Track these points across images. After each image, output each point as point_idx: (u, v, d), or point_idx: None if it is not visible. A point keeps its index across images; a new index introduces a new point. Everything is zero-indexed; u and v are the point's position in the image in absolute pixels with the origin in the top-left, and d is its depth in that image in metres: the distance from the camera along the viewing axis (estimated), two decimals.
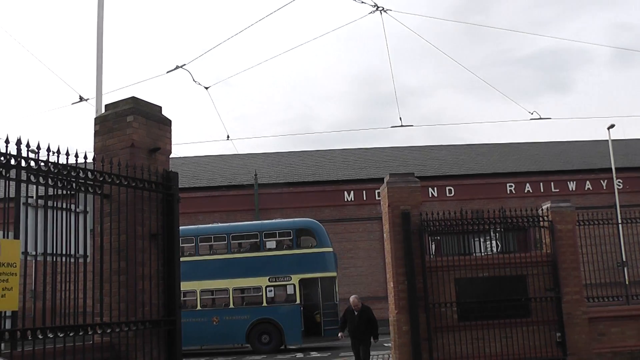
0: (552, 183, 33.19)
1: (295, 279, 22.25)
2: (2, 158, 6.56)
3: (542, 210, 14.38)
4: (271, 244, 22.93)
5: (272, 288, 22.25)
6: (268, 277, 21.87)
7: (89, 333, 7.49)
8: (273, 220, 24.50)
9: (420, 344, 12.84)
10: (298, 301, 22.17)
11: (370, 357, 13.57)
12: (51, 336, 7.04)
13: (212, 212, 31.69)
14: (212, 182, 33.37)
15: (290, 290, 22.34)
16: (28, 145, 6.79)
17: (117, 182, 7.85)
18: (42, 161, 6.99)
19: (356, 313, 13.25)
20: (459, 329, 13.19)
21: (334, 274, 22.99)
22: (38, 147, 6.90)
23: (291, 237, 23.08)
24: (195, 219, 31.38)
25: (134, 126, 8.22)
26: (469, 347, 13.09)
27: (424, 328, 12.97)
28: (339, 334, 14.10)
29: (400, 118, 33.33)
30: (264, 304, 21.72)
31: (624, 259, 18.99)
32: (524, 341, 13.26)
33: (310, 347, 22.25)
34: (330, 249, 23.17)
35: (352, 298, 13.57)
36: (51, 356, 6.93)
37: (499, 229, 14.42)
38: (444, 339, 13.09)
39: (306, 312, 22.77)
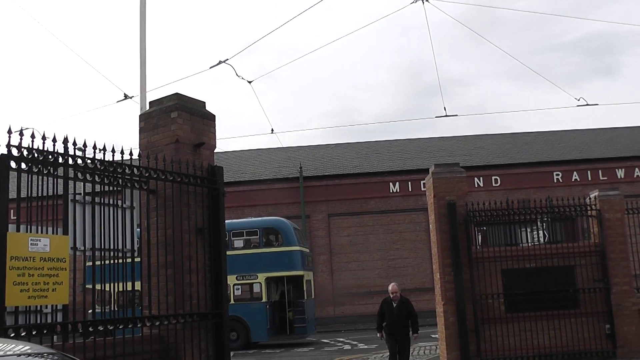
0: (599, 171, 32.54)
1: (262, 277, 22.47)
2: (50, 157, 6.74)
3: (589, 199, 14.15)
4: (239, 242, 23.17)
5: (240, 286, 22.49)
6: (236, 276, 22.01)
7: (138, 326, 7.66)
8: (241, 220, 24.66)
9: (467, 336, 12.77)
10: (264, 299, 22.35)
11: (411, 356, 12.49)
12: (101, 329, 7.22)
13: (258, 206, 31.93)
14: (258, 175, 33.61)
15: (256, 288, 22.58)
16: (75, 144, 6.97)
17: (163, 177, 7.99)
18: (89, 159, 7.15)
19: (395, 304, 12.19)
20: (507, 320, 13.06)
21: (300, 272, 23.08)
22: (84, 145, 7.06)
23: (258, 236, 23.28)
24: (241, 212, 31.66)
25: (178, 122, 8.34)
26: (516, 339, 12.96)
27: (471, 319, 12.88)
28: (379, 335, 12.59)
29: (445, 108, 33.17)
30: (232, 301, 21.76)
31: None
32: (573, 333, 13.07)
33: (278, 344, 22.53)
34: (297, 248, 23.22)
35: (391, 286, 12.51)
36: (102, 348, 7.10)
37: (545, 219, 14.23)
38: (491, 331, 12.98)
39: (274, 310, 23.19)
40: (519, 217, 13.73)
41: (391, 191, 32.37)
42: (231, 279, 21.94)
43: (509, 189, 30.02)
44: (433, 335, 16.33)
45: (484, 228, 15.06)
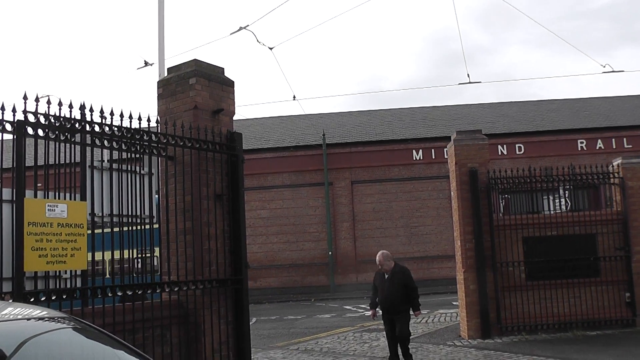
0: (624, 139, 32.04)
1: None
2: (67, 123, 6.77)
3: (612, 166, 13.98)
4: None
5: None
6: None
7: (157, 291, 7.74)
8: None
9: (487, 303, 12.77)
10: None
11: (410, 339, 10.70)
12: (120, 294, 7.30)
13: (280, 173, 31.99)
14: (280, 142, 33.57)
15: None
16: (92, 110, 6.98)
17: (181, 143, 8.00)
18: (106, 125, 7.17)
19: (387, 276, 10.37)
20: (527, 288, 13.04)
21: None
22: (102, 112, 7.07)
23: None
24: (264, 179, 31.81)
25: (196, 88, 8.33)
26: (536, 307, 12.94)
27: (492, 287, 12.88)
28: (371, 312, 10.83)
29: (468, 75, 32.69)
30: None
31: None
32: (593, 301, 13.03)
33: None
34: None
35: (378, 255, 10.51)
36: (121, 313, 7.18)
37: (568, 187, 14.10)
38: (511, 299, 12.97)
39: None
40: (541, 185, 13.62)
41: (414, 159, 32.21)
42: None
43: (532, 157, 29.72)
44: (454, 303, 16.34)
45: (507, 196, 14.97)
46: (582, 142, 32.14)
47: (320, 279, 31.18)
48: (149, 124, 7.77)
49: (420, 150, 32.14)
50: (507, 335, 12.75)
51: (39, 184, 6.52)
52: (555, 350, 10.99)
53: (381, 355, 9.52)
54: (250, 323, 18.28)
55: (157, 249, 8.10)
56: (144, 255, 7.76)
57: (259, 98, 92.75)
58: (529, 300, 12.93)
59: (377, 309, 10.70)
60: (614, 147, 31.43)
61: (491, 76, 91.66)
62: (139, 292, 7.47)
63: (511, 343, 12.09)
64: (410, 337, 10.74)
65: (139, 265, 7.87)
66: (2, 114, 6.25)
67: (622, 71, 23.92)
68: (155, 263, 8.36)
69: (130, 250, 7.84)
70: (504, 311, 12.91)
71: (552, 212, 13.65)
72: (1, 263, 6.26)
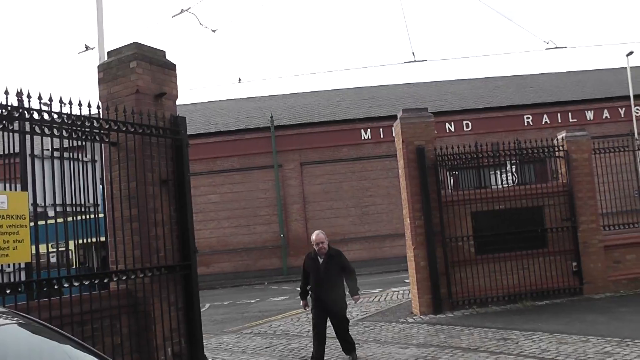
0: (569, 113, 32.69)
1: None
2: (4, 110, 6.54)
3: (557, 140, 14.24)
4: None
5: (54, 254, 22.33)
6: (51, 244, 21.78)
7: (105, 281, 7.59)
8: None
9: (438, 278, 12.92)
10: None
11: (349, 330, 9.74)
12: (67, 286, 7.14)
13: (229, 157, 31.76)
14: (228, 126, 33.27)
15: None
16: (29, 96, 6.76)
17: (124, 129, 7.82)
18: (45, 112, 6.96)
19: (321, 260, 9.40)
20: (477, 262, 13.23)
21: None
22: (40, 98, 6.86)
23: None
24: (212, 164, 31.53)
25: (138, 72, 8.15)
26: (486, 280, 13.15)
27: (442, 263, 13.02)
28: (302, 303, 9.85)
29: (413, 53, 32.78)
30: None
31: None
32: (541, 272, 13.29)
33: None
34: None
35: (315, 234, 9.56)
36: (68, 305, 7.02)
37: (514, 161, 14.31)
38: (461, 273, 13.14)
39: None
40: (488, 161, 13.78)
41: (363, 138, 32.30)
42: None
43: (480, 134, 30.07)
44: (407, 280, 16.49)
45: (456, 172, 15.12)
46: (528, 118, 32.69)
47: (273, 261, 31.15)
48: (89, 110, 7.57)
49: (369, 130, 32.25)
50: (459, 309, 12.93)
51: None
52: (505, 322, 11.20)
53: (334, 335, 9.44)
54: (204, 309, 18.31)
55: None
56: (90, 245, 7.60)
57: (205, 82, 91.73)
58: (478, 274, 13.12)
59: (306, 300, 9.70)
60: (560, 121, 32.05)
61: (436, 54, 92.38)
62: (86, 283, 7.32)
63: (462, 317, 12.26)
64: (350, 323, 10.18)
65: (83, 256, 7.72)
66: None
67: (565, 47, 24.28)
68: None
69: (76, 241, 7.66)
70: (455, 286, 13.08)
71: (499, 187, 13.84)
72: None
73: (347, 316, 9.65)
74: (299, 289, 10.06)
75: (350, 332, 9.42)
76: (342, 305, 9.44)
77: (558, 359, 8.00)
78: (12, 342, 3.44)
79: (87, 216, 7.51)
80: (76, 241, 7.35)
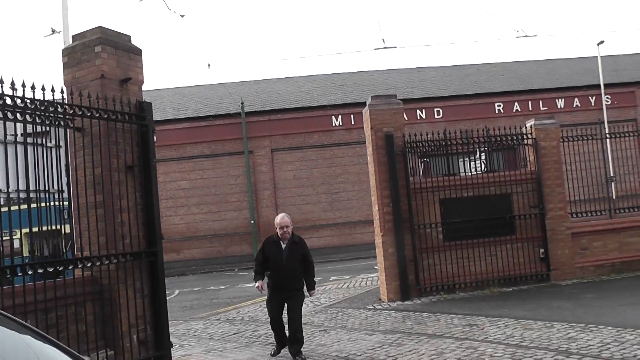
0: (540, 101, 33.01)
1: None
2: None
3: (526, 128, 14.34)
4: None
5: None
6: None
7: (69, 268, 7.50)
8: None
9: (406, 265, 12.97)
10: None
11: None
12: (30, 273, 7.04)
13: (199, 143, 31.59)
14: (198, 112, 33.07)
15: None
16: None
17: (89, 114, 7.71)
18: (8, 96, 6.83)
19: (284, 245, 8.91)
20: (445, 249, 13.31)
21: None
22: (1, 82, 6.73)
23: None
24: (182, 150, 31.36)
25: (102, 57, 8.03)
26: (454, 267, 13.24)
27: (410, 249, 13.07)
28: (257, 284, 9.07)
29: (383, 40, 32.74)
30: None
31: (612, 174, 19.04)
32: (509, 258, 13.42)
33: None
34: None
35: (280, 217, 9.05)
36: (31, 293, 6.93)
37: (484, 149, 14.39)
38: (429, 260, 13.22)
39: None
40: (457, 148, 13.84)
41: (334, 125, 32.31)
42: None
43: (451, 121, 30.26)
44: (376, 267, 16.54)
45: (426, 159, 15.18)
46: (499, 105, 32.94)
47: (244, 248, 31.12)
48: (53, 95, 7.45)
49: (340, 117, 32.26)
50: (426, 295, 13.01)
51: None
52: (472, 308, 11.29)
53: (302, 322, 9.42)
54: (173, 295, 18.25)
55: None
56: (52, 232, 7.51)
57: (174, 68, 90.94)
58: (446, 261, 13.21)
59: (263, 281, 9.05)
60: (531, 109, 32.34)
61: (408, 42, 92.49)
62: (50, 270, 7.23)
63: (430, 303, 12.34)
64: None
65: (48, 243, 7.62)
66: None
67: (535, 36, 24.50)
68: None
69: (41, 227, 7.58)
70: (423, 272, 13.15)
71: (468, 174, 13.92)
72: None
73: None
74: (253, 273, 9.19)
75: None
76: (301, 296, 8.95)
77: (522, 345, 8.09)
78: None
79: (43, 203, 7.40)
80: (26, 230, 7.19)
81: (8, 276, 6.75)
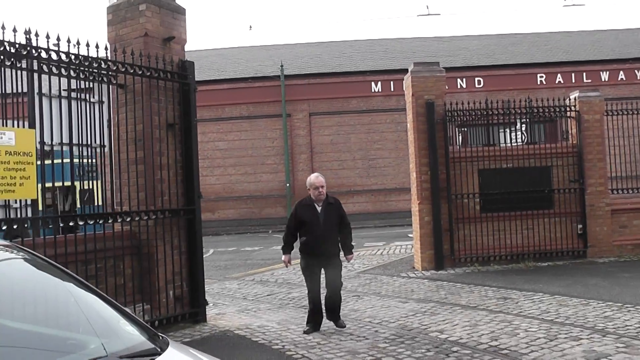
0: (584, 73, 32.27)
1: None
2: (11, 48, 6.50)
3: (569, 100, 14.07)
4: None
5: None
6: None
7: (109, 221, 7.63)
8: None
9: (441, 235, 12.91)
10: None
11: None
12: (72, 224, 7.18)
13: (238, 104, 31.63)
14: (237, 74, 33.07)
15: None
16: (37, 35, 6.71)
17: (132, 71, 7.81)
18: (53, 51, 6.92)
19: (319, 208, 8.18)
20: (481, 220, 13.20)
21: None
22: (48, 37, 6.81)
23: None
24: (221, 111, 31.47)
25: (146, 15, 8.09)
26: (490, 239, 13.14)
27: (446, 219, 13.00)
28: (284, 258, 8.38)
29: (427, 6, 32.32)
30: None
31: None
32: (545, 233, 13.26)
33: None
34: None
35: (314, 177, 8.32)
36: (72, 244, 7.08)
37: (525, 120, 14.18)
38: (465, 230, 13.13)
39: None
40: (497, 118, 13.66)
41: (373, 91, 32.07)
42: None
43: (491, 91, 29.79)
44: (410, 235, 16.53)
45: (465, 129, 15.02)
46: (541, 77, 32.30)
47: (278, 210, 31.27)
48: (97, 51, 7.51)
49: (379, 83, 32.00)
50: (460, 266, 12.95)
51: None
52: (506, 281, 11.22)
53: None
54: (208, 254, 18.46)
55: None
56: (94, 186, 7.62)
57: (215, 29, 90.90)
58: (482, 232, 13.11)
59: (290, 254, 8.35)
60: (573, 81, 31.66)
61: (450, 8, 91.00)
62: (91, 223, 7.36)
63: (463, 274, 12.30)
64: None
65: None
66: None
67: (583, 5, 23.96)
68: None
69: (81, 181, 7.70)
70: (458, 243, 13.08)
71: (508, 145, 13.73)
72: None
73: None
74: (282, 242, 8.46)
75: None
76: (340, 264, 8.28)
77: (557, 321, 8.00)
78: (18, 276, 3.46)
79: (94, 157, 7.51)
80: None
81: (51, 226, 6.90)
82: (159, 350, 3.03)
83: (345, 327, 8.11)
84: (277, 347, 7.35)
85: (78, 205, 13.36)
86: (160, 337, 3.23)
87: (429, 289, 10.88)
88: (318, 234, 8.02)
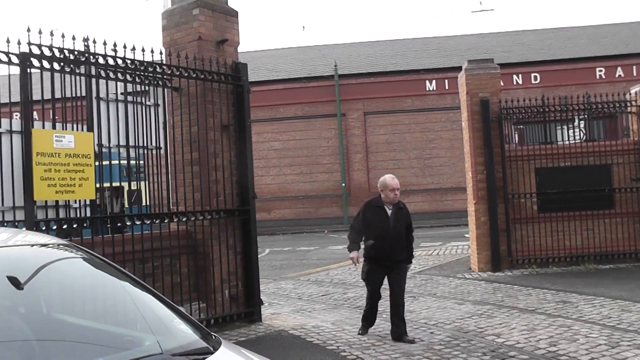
0: None
1: None
2: (71, 55, 6.70)
3: (630, 94, 13.69)
4: None
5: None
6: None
7: (165, 221, 7.78)
8: None
9: (498, 235, 12.72)
10: None
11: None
12: (129, 224, 7.35)
13: (292, 104, 31.79)
14: (291, 74, 33.25)
15: None
16: (95, 42, 6.91)
17: (186, 75, 7.95)
18: (110, 56, 7.11)
19: (389, 211, 7.77)
20: (539, 220, 12.94)
21: None
22: (105, 43, 6.99)
23: None
24: (276, 111, 31.66)
25: (200, 19, 8.24)
26: (548, 240, 12.86)
27: (503, 219, 12.79)
28: (352, 255, 7.96)
29: (481, 2, 31.90)
30: None
31: None
32: (606, 234, 12.90)
33: None
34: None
35: (389, 178, 7.88)
36: (130, 242, 7.25)
37: (583, 116, 13.86)
38: (522, 231, 12.91)
39: None
40: (555, 115, 13.39)
41: (427, 89, 31.84)
42: None
43: (548, 87, 29.23)
44: (467, 235, 16.35)
45: (521, 126, 14.79)
46: (600, 71, 31.49)
47: (334, 210, 31.33)
48: (153, 56, 7.68)
49: (434, 81, 31.75)
50: (518, 268, 12.72)
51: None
52: (565, 284, 10.97)
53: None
54: (264, 254, 18.62)
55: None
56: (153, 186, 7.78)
57: (268, 30, 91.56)
58: (540, 233, 12.86)
59: (358, 252, 7.95)
60: (635, 74, 30.67)
61: (503, 3, 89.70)
62: (147, 222, 7.53)
63: (521, 276, 12.09)
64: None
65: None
66: (8, 46, 6.30)
67: None
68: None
69: (139, 182, 7.89)
70: (515, 244, 12.87)
71: (566, 143, 13.45)
72: (13, 192, 6.36)
73: None
74: (349, 241, 8.07)
75: (405, 285, 7.99)
76: (405, 270, 7.91)
77: (620, 327, 7.73)
78: (78, 274, 3.57)
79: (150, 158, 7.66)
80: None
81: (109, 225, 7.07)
82: (212, 349, 3.07)
83: (414, 342, 7.44)
84: (332, 348, 7.36)
85: (126, 205, 13.72)
86: (213, 337, 3.28)
87: (485, 291, 10.74)
88: (387, 239, 7.61)
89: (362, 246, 7.95)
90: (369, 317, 8.06)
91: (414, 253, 8.17)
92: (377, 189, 7.98)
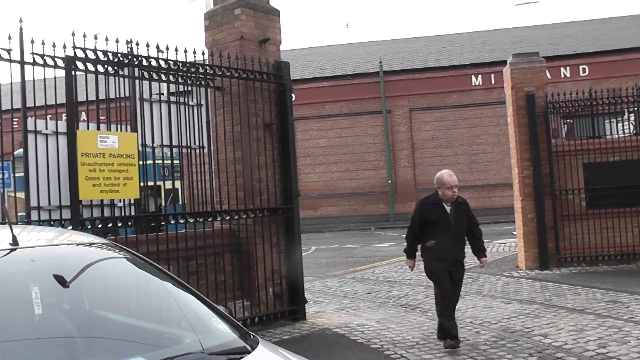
0: None
1: None
2: (114, 57, 6.83)
3: None
4: None
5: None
6: None
7: (209, 220, 7.87)
8: None
9: (545, 232, 12.51)
10: None
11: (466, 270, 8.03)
12: (172, 222, 7.45)
13: (338, 102, 31.79)
14: (337, 71, 33.26)
15: None
16: (138, 44, 7.03)
17: (229, 74, 8.02)
18: (153, 58, 7.21)
19: (448, 208, 7.32)
20: (588, 217, 12.67)
21: None
22: (147, 45, 7.10)
23: None
24: (321, 108, 31.71)
25: (241, 19, 8.30)
26: (597, 237, 12.58)
27: (550, 216, 12.57)
28: (409, 263, 7.67)
29: None
30: None
31: None
32: None
33: None
34: None
35: (446, 174, 7.41)
36: (174, 241, 7.35)
37: (633, 109, 13.54)
38: (571, 228, 12.66)
39: None
40: (603, 108, 13.10)
41: (473, 84, 31.51)
42: None
43: (597, 79, 28.65)
44: (514, 232, 16.13)
45: (570, 120, 14.53)
46: None
47: (380, 207, 31.24)
48: (195, 57, 7.78)
49: (479, 76, 31.41)
50: (566, 266, 12.48)
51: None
52: (616, 283, 10.70)
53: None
54: (309, 252, 18.67)
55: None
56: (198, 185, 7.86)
57: (312, 28, 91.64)
58: (589, 230, 12.59)
59: (414, 258, 7.55)
60: None
61: None
62: (192, 221, 7.63)
63: (570, 274, 11.87)
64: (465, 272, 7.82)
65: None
66: (53, 50, 6.44)
67: None
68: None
69: (183, 181, 8.00)
70: (563, 241, 12.64)
71: (615, 137, 13.15)
72: (60, 191, 6.50)
73: None
74: (405, 243, 7.69)
75: None
76: (464, 271, 7.55)
77: None
78: (121, 273, 3.66)
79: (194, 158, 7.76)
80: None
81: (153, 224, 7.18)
82: (249, 348, 3.10)
83: (459, 347, 7.07)
84: (375, 347, 7.34)
85: (163, 204, 13.94)
86: (251, 336, 3.31)
87: (532, 290, 10.58)
88: (449, 238, 7.16)
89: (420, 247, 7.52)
90: (452, 329, 7.16)
91: (485, 247, 7.68)
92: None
